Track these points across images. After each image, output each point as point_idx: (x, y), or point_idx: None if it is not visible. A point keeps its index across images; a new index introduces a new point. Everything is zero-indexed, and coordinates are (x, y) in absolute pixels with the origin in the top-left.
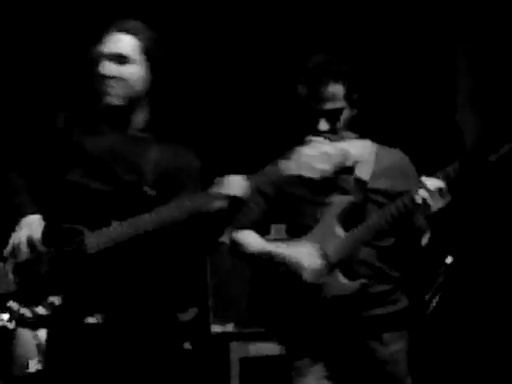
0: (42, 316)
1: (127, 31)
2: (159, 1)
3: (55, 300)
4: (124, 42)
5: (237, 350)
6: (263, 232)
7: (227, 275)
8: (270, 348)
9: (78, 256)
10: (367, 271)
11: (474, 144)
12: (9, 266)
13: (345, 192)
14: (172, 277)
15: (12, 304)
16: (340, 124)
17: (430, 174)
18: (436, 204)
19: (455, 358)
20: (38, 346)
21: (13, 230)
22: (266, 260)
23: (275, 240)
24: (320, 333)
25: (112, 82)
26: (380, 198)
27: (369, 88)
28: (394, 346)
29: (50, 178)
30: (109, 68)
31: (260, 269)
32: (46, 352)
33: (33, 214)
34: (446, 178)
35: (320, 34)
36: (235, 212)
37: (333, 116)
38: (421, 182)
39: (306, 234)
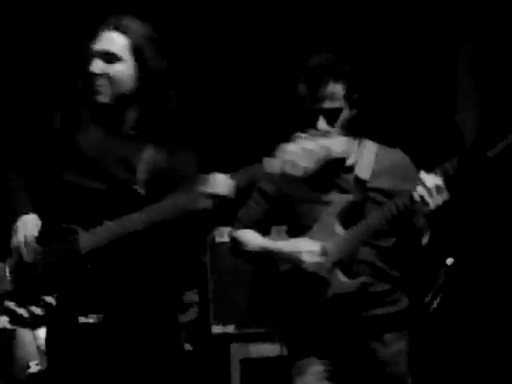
0: (38, 316)
1: (117, 29)
2: None
3: (50, 300)
4: (113, 41)
5: (237, 352)
6: (264, 233)
7: (227, 276)
8: (270, 349)
9: (72, 255)
10: (367, 270)
11: (472, 140)
12: (6, 266)
13: (344, 191)
14: (167, 275)
15: (9, 304)
16: (339, 123)
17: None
18: (434, 201)
19: (455, 358)
20: (39, 346)
21: (10, 229)
22: (266, 257)
23: (276, 239)
24: (321, 332)
25: (100, 81)
26: (380, 198)
27: (369, 88)
28: (395, 347)
29: (45, 177)
30: (97, 66)
31: (260, 267)
32: (46, 352)
33: (29, 213)
34: (444, 175)
35: (320, 33)
36: (220, 210)
37: (331, 115)
38: (419, 178)
39: (306, 234)
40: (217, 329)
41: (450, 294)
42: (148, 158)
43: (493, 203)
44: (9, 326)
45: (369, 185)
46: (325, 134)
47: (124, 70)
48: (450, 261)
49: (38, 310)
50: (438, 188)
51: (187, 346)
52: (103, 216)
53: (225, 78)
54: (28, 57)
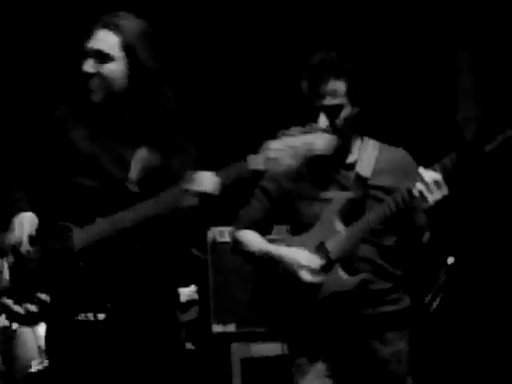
0: (32, 313)
1: (109, 27)
2: None
3: (44, 297)
4: (105, 40)
5: (238, 351)
6: (266, 232)
7: (228, 275)
8: (271, 348)
9: (66, 253)
10: (368, 268)
11: (471, 135)
12: (3, 264)
13: (345, 188)
14: (161, 271)
15: (6, 301)
16: (340, 121)
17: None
18: (433, 196)
19: (456, 358)
20: (39, 346)
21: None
22: (266, 259)
23: (276, 239)
24: (321, 330)
25: (93, 80)
26: (381, 195)
27: (371, 86)
28: (395, 346)
29: (41, 174)
30: (89, 65)
31: (261, 268)
32: (46, 351)
33: (26, 211)
34: (443, 170)
35: (323, 32)
36: (206, 208)
37: (332, 112)
38: (418, 174)
39: (307, 231)
40: (217, 328)
41: (451, 293)
42: (142, 156)
43: (492, 199)
44: (6, 323)
45: (370, 182)
46: (311, 130)
47: (116, 69)
48: (450, 260)
49: (32, 307)
50: (436, 183)
51: (188, 345)
52: (97, 213)
53: (224, 75)
54: (26, 55)
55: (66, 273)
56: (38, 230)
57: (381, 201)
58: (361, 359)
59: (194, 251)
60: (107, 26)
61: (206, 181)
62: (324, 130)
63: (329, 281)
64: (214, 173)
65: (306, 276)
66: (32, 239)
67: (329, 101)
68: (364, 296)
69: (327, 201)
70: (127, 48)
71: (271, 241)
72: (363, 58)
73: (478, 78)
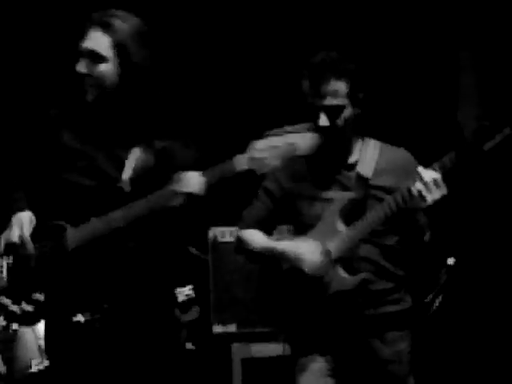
0: (28, 312)
1: (101, 27)
2: None
3: (39, 296)
4: (97, 40)
5: (239, 351)
6: (269, 232)
7: (229, 276)
8: (271, 349)
9: (60, 252)
10: (369, 268)
11: (470, 134)
12: (3, 263)
13: (346, 188)
14: (156, 270)
15: (5, 301)
16: (341, 121)
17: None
18: (432, 196)
19: (457, 358)
20: (40, 346)
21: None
22: (269, 256)
23: (279, 239)
24: (323, 329)
25: (86, 80)
26: (382, 195)
27: (373, 87)
28: (397, 346)
29: (37, 173)
30: (83, 65)
31: (264, 266)
32: (46, 351)
33: (23, 210)
34: (442, 169)
35: (323, 31)
36: (193, 208)
37: (333, 112)
38: (417, 173)
39: (309, 232)
40: (218, 328)
41: (452, 293)
42: (135, 156)
43: (491, 198)
44: (4, 323)
45: (371, 182)
46: (295, 130)
47: (109, 69)
48: (450, 261)
49: (28, 307)
50: (435, 182)
51: (189, 346)
52: (91, 212)
53: (223, 74)
54: (25, 55)
55: (59, 272)
56: (36, 230)
57: (382, 201)
58: (362, 359)
59: (193, 250)
60: (100, 25)
61: (192, 181)
62: (308, 130)
63: (329, 280)
64: (199, 173)
65: (308, 267)
66: (31, 238)
67: (329, 101)
68: (365, 296)
69: (328, 201)
70: (119, 48)
71: (274, 239)
72: (364, 57)
73: (480, 77)
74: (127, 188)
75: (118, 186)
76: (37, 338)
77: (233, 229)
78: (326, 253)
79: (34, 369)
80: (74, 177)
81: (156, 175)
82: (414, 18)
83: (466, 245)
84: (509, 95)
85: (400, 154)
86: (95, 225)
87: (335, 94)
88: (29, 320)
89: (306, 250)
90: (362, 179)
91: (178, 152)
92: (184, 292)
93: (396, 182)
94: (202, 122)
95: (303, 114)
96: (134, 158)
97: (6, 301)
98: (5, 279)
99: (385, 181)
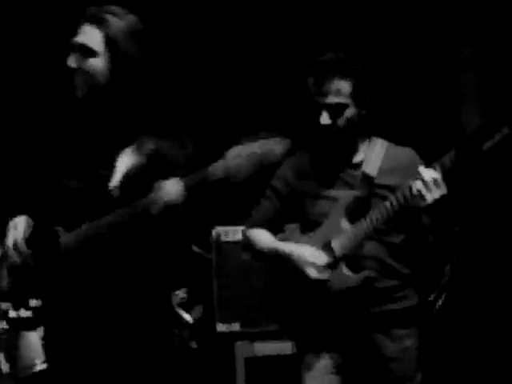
0: (25, 318)
1: (94, 21)
2: None
3: (35, 303)
4: (89, 34)
5: (242, 350)
6: (277, 231)
7: (232, 275)
8: (275, 347)
9: (54, 257)
10: (374, 266)
11: (472, 133)
12: (2, 267)
13: (351, 187)
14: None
15: (4, 306)
16: (342, 120)
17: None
18: (432, 195)
19: (460, 356)
20: (44, 346)
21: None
22: (275, 256)
23: (286, 238)
24: (328, 327)
25: (77, 75)
26: (387, 194)
27: (379, 89)
28: (404, 343)
29: (32, 176)
30: (73, 60)
31: (271, 265)
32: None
33: (20, 214)
34: (442, 168)
35: (324, 30)
36: (172, 216)
37: (335, 110)
38: (418, 172)
39: (315, 230)
40: (221, 327)
41: (455, 292)
42: (126, 159)
43: (491, 197)
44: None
45: (376, 181)
46: (270, 137)
47: (99, 63)
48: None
49: (26, 313)
50: (435, 182)
51: (192, 344)
52: (82, 217)
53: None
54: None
55: (53, 277)
56: (30, 235)
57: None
58: (368, 356)
59: (195, 248)
60: (92, 20)
61: (169, 189)
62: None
63: (333, 278)
64: (178, 179)
65: (312, 273)
66: (27, 242)
67: (331, 99)
68: (370, 294)
69: (333, 199)
70: (111, 43)
71: (281, 239)
72: (365, 54)
73: (481, 73)
74: (116, 193)
75: (107, 191)
76: (40, 337)
77: (236, 228)
78: (330, 251)
79: (37, 368)
80: (63, 179)
81: (147, 178)
82: (416, 13)
83: (465, 243)
84: (509, 94)
85: (406, 154)
86: (83, 230)
87: (338, 93)
88: (27, 326)
89: (309, 252)
90: (366, 178)
91: (170, 153)
92: (179, 295)
93: (401, 181)
94: (199, 120)
95: (303, 115)
96: (125, 162)
97: (7, 305)
98: (6, 284)
99: (390, 180)
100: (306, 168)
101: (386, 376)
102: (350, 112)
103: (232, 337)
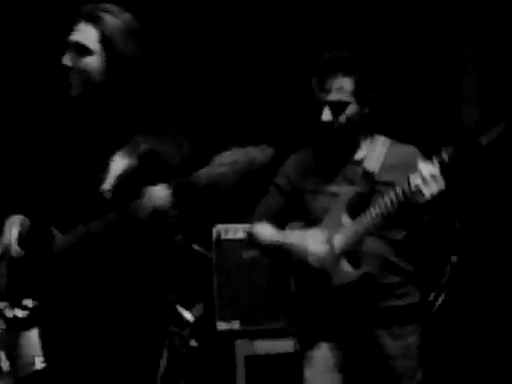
0: (19, 318)
1: (89, 20)
2: None
3: (29, 302)
4: (84, 32)
5: (242, 348)
6: (280, 227)
7: (233, 273)
8: (275, 345)
9: (47, 258)
10: (377, 262)
11: (471, 128)
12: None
13: (352, 183)
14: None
15: (1, 305)
16: (343, 118)
17: None
18: (429, 190)
19: (461, 355)
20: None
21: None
22: (278, 249)
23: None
24: (331, 323)
25: (72, 73)
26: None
27: (382, 88)
28: (405, 340)
29: (32, 176)
30: (67, 58)
31: (274, 259)
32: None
33: (15, 214)
34: (440, 163)
35: (328, 31)
36: (159, 221)
37: (336, 108)
38: (417, 168)
39: (317, 226)
40: (222, 325)
41: (455, 291)
42: (119, 161)
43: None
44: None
45: (377, 178)
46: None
47: (94, 62)
48: (454, 258)
49: (20, 313)
50: (433, 177)
51: (192, 343)
52: (77, 219)
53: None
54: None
55: (45, 277)
56: (24, 235)
57: None
58: (369, 353)
59: (196, 247)
60: (88, 18)
61: (156, 195)
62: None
63: (334, 273)
64: (167, 185)
65: (314, 262)
66: (22, 242)
67: (333, 96)
68: (371, 290)
69: (335, 195)
70: (107, 42)
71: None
72: (368, 54)
73: (481, 74)
74: (109, 196)
75: (99, 193)
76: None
77: (237, 226)
78: (331, 244)
79: (37, 366)
80: (56, 178)
81: (141, 179)
82: (417, 13)
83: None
84: (509, 95)
85: (408, 151)
86: (76, 232)
87: (340, 90)
88: (22, 326)
89: (312, 241)
90: (367, 174)
91: (165, 152)
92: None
93: (402, 178)
94: (195, 119)
95: (306, 112)
96: (118, 164)
97: (3, 304)
98: (4, 284)
99: (391, 176)
100: (308, 165)
101: (387, 373)
102: (351, 109)
103: (232, 335)
